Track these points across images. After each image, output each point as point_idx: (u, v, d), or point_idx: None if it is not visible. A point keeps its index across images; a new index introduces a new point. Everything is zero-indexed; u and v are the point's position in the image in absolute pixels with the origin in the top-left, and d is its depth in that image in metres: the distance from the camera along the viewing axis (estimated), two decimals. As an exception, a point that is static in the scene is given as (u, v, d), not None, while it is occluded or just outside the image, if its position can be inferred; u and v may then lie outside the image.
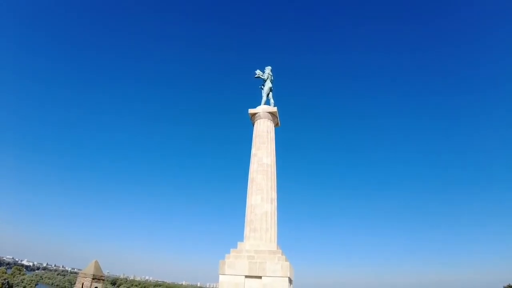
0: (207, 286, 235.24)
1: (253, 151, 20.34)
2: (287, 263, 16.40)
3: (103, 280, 29.60)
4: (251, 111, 21.61)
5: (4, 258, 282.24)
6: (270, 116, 21.26)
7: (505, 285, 46.65)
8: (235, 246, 17.88)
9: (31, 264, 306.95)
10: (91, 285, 28.16)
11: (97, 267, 29.02)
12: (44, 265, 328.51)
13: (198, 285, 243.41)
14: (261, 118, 21.09)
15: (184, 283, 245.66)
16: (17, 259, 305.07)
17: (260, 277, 16.05)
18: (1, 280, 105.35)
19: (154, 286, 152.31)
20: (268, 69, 23.05)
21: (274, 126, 21.73)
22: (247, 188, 19.58)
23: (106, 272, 31.77)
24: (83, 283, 28.06)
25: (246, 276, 16.25)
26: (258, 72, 22.89)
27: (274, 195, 19.15)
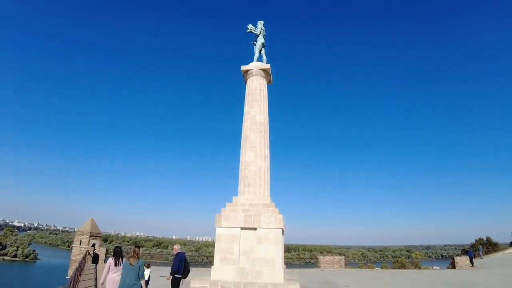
0: (196, 239, 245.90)
1: (246, 109, 20.25)
2: (280, 215, 17.16)
3: (100, 237, 30.45)
4: (243, 68, 21.16)
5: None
6: (263, 73, 20.91)
7: (476, 238, 50.30)
8: (230, 201, 18.52)
9: (22, 225, 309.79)
10: (89, 242, 28.98)
11: (94, 224, 29.70)
12: (35, 225, 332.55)
13: (188, 238, 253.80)
14: (253, 75, 20.73)
15: (174, 237, 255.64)
16: (7, 221, 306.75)
17: (255, 229, 16.86)
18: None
19: (145, 241, 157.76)
20: (260, 24, 22.20)
21: (267, 84, 21.52)
22: (240, 145, 19.82)
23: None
24: (81, 241, 28.85)
25: (242, 228, 17.02)
26: (250, 26, 22.07)
27: (267, 152, 19.49)
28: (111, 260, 9.08)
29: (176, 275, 10.46)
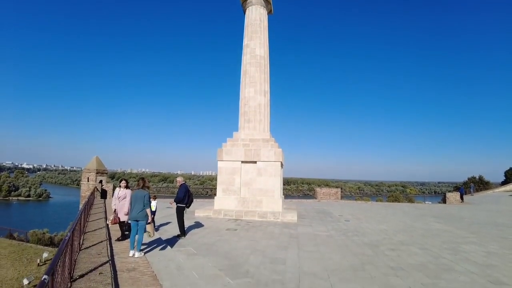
0: (200, 174, 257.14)
1: (245, 41, 19.31)
2: (280, 149, 17.51)
3: (106, 173, 31.60)
4: (241, -5, 19.69)
5: (4, 163, 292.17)
6: (263, 1, 19.46)
7: (469, 176, 51.86)
8: (231, 136, 18.77)
9: (31, 167, 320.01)
10: (96, 178, 30.16)
11: (99, 162, 30.61)
12: (44, 166, 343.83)
13: (192, 173, 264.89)
14: (253, 4, 19.31)
15: (179, 172, 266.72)
16: (16, 164, 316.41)
17: (255, 162, 17.37)
18: (7, 183, 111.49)
19: (151, 176, 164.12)
20: None
21: (268, 14, 20.19)
22: (240, 81, 19.39)
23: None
24: (88, 178, 30.01)
25: (242, 162, 17.54)
26: None
27: (267, 87, 19.12)
28: (117, 189, 9.71)
29: (180, 204, 10.97)
